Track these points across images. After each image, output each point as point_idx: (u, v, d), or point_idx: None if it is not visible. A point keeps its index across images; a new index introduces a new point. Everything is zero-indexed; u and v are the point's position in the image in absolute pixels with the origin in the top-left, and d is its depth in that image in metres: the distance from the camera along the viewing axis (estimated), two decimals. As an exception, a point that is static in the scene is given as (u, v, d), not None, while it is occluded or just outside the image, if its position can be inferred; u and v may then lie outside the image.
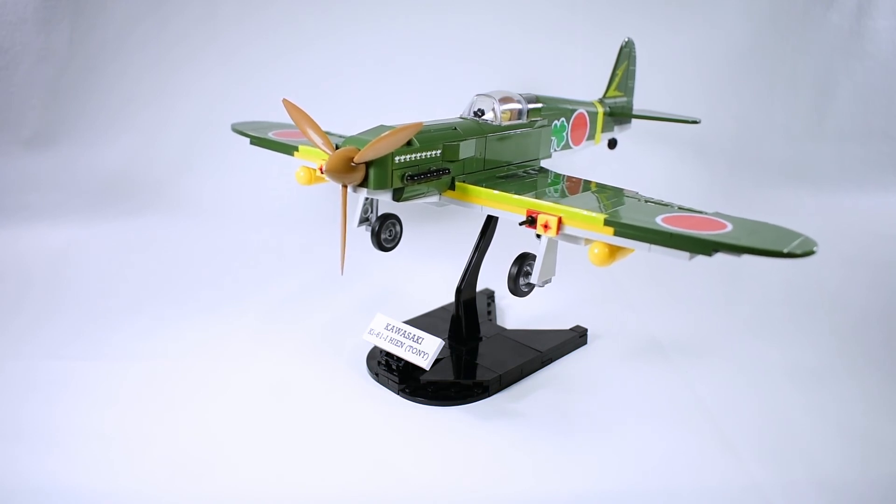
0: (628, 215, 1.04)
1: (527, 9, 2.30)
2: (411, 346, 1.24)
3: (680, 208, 1.10)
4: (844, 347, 1.47)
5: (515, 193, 1.16)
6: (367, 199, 1.34)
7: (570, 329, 1.48)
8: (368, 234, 1.35)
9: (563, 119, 1.48)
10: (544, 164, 1.43)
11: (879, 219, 2.32)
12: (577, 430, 1.18)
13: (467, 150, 1.22)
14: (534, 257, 1.16)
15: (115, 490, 1.01)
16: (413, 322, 1.48)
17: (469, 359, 1.35)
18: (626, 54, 1.78)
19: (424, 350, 1.22)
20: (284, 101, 1.14)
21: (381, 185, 1.10)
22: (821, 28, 2.43)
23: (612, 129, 1.72)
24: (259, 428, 1.16)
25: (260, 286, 1.74)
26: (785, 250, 0.89)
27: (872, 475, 1.07)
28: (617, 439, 1.15)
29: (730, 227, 0.99)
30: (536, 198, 1.14)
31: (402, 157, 1.12)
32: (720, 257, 0.93)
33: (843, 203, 2.40)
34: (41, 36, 2.18)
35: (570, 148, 1.54)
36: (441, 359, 1.30)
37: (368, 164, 1.08)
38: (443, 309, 1.56)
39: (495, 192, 1.19)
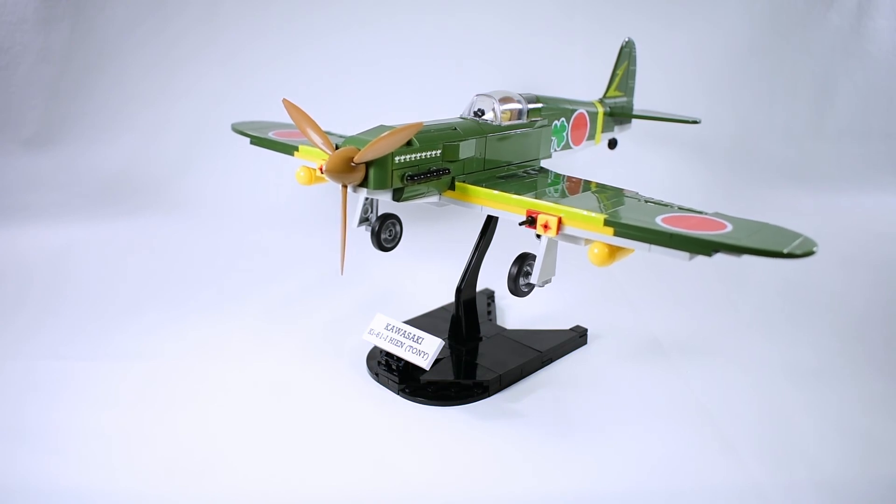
0: (628, 215, 1.04)
1: (527, 9, 2.30)
2: (411, 346, 1.24)
3: (680, 208, 1.10)
4: (844, 347, 1.47)
5: (515, 193, 1.16)
6: (367, 199, 1.33)
7: (570, 329, 1.48)
8: (368, 234, 1.35)
9: (563, 119, 1.48)
10: (544, 164, 1.43)
11: (879, 218, 2.32)
12: (577, 430, 1.18)
13: (467, 150, 1.22)
14: (534, 257, 1.16)
15: (115, 490, 1.01)
16: (413, 322, 1.48)
17: (469, 359, 1.35)
18: (627, 54, 1.78)
19: (424, 350, 1.22)
20: (284, 100, 1.14)
21: (380, 185, 1.10)
22: (821, 28, 2.43)
23: (612, 130, 1.72)
24: (259, 428, 1.16)
25: (260, 286, 1.74)
26: (785, 251, 0.89)
27: (872, 475, 1.07)
28: (617, 439, 1.15)
29: (729, 227, 0.99)
30: (536, 198, 1.14)
31: (402, 157, 1.12)
32: (720, 257, 0.93)
33: (842, 203, 2.40)
34: (41, 36, 2.18)
35: (571, 148, 1.54)
36: (441, 359, 1.30)
37: (368, 164, 1.08)
38: (443, 309, 1.56)
39: (495, 192, 1.18)
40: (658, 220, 1.02)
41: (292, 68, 2.26)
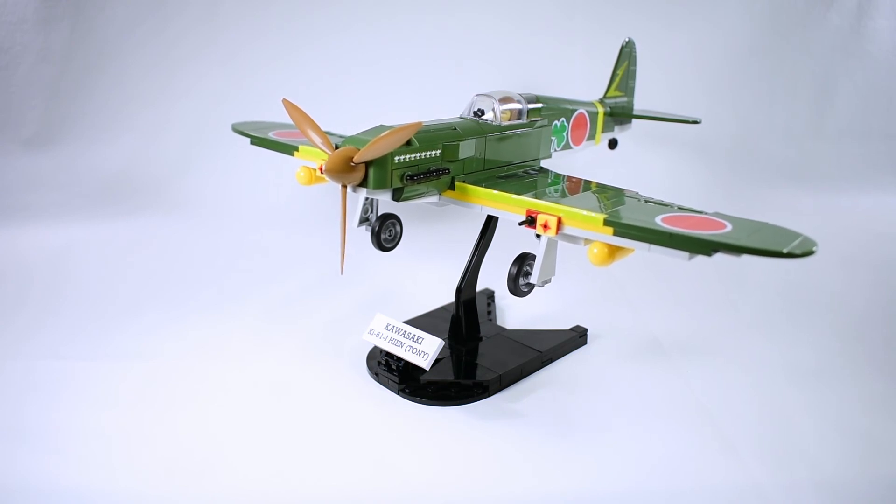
0: (628, 215, 1.04)
1: (527, 9, 2.30)
2: (411, 346, 1.24)
3: (680, 208, 1.10)
4: (844, 347, 1.47)
5: (515, 193, 1.16)
6: (367, 198, 1.33)
7: (570, 329, 1.48)
8: (368, 234, 1.35)
9: (563, 119, 1.48)
10: (545, 164, 1.43)
11: (879, 218, 2.32)
12: (577, 430, 1.18)
13: (467, 149, 1.22)
14: (533, 257, 1.16)
15: (115, 490, 1.01)
16: (413, 322, 1.48)
17: (469, 359, 1.35)
18: (627, 54, 1.78)
19: (424, 350, 1.22)
20: (284, 100, 1.14)
21: (380, 185, 1.10)
22: (821, 28, 2.43)
23: (612, 130, 1.72)
24: (259, 428, 1.16)
25: (260, 286, 1.74)
26: (784, 250, 0.89)
27: (872, 475, 1.07)
28: (617, 439, 1.15)
29: (729, 226, 0.99)
30: (536, 198, 1.14)
31: (402, 157, 1.12)
32: (720, 257, 0.93)
33: (842, 203, 2.40)
34: (41, 36, 2.18)
35: (571, 148, 1.54)
36: (441, 359, 1.30)
37: (368, 164, 1.08)
38: (443, 309, 1.56)
39: (495, 192, 1.18)
40: (658, 219, 1.02)
41: (292, 68, 2.26)
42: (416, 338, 1.24)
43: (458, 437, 1.15)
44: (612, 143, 1.73)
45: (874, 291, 1.78)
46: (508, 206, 1.17)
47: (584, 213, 1.05)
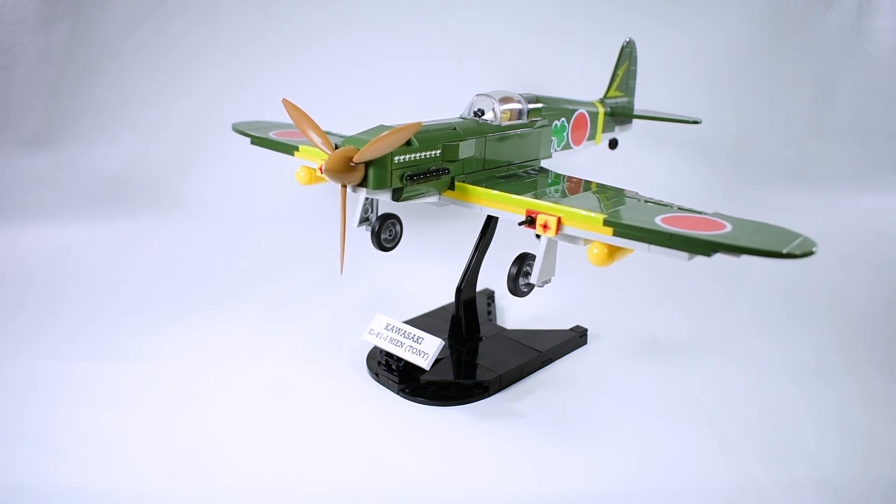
0: (627, 215, 1.04)
1: (527, 9, 2.30)
2: (411, 346, 1.24)
3: (679, 209, 1.10)
4: (844, 347, 1.47)
5: (515, 193, 1.16)
6: (366, 198, 1.33)
7: (570, 329, 1.48)
8: (368, 234, 1.35)
9: (563, 119, 1.48)
10: (545, 164, 1.43)
11: (879, 218, 2.32)
12: (577, 430, 1.18)
13: (467, 150, 1.22)
14: (533, 257, 1.16)
15: (115, 490, 1.01)
16: (413, 322, 1.48)
17: (469, 359, 1.35)
18: (628, 54, 1.78)
19: (424, 350, 1.22)
20: (284, 100, 1.14)
21: (380, 185, 1.10)
22: (821, 28, 2.43)
23: (612, 130, 1.72)
24: (259, 428, 1.16)
25: (260, 286, 1.74)
26: (784, 251, 0.89)
27: (872, 475, 1.07)
28: (617, 439, 1.15)
29: (729, 227, 0.99)
30: (536, 198, 1.14)
31: (402, 157, 1.12)
32: (720, 257, 0.93)
33: (842, 202, 2.40)
34: (41, 36, 2.18)
35: (571, 148, 1.54)
36: (441, 359, 1.30)
37: (368, 164, 1.08)
38: (443, 309, 1.56)
39: (495, 192, 1.18)
40: (657, 220, 1.02)
41: (292, 68, 2.26)
42: (416, 338, 1.24)
43: (458, 437, 1.15)
44: (613, 144, 1.73)
45: (874, 291, 1.78)
46: (508, 207, 1.17)
47: (584, 213, 1.05)
